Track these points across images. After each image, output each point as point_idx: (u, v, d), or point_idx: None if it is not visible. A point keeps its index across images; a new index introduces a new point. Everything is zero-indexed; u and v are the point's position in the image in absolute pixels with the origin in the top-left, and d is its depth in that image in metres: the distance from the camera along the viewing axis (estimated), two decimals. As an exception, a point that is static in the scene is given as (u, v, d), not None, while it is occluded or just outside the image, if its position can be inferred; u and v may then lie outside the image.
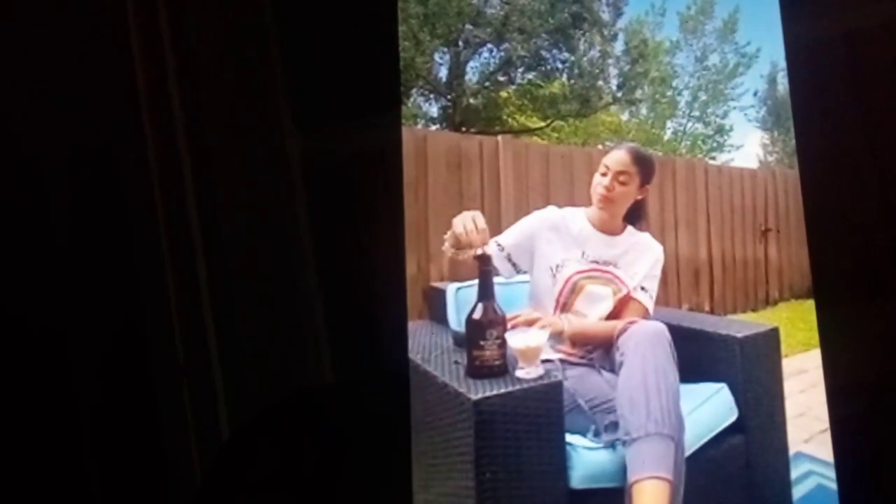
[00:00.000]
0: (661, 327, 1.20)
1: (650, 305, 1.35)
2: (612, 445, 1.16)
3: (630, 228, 1.37)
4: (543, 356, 1.31)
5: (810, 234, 1.21)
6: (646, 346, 1.18)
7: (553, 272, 1.33)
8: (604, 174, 1.32)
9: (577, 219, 1.36)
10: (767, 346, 1.34)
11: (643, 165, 1.32)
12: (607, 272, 1.34)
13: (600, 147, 1.82)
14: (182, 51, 1.51)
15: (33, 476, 1.43)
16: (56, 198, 1.49)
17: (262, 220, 1.46)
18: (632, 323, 1.24)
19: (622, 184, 1.31)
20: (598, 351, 1.30)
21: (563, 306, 1.32)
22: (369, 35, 1.36)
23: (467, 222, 1.19)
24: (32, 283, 1.47)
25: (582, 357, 1.31)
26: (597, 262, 1.34)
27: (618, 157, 1.31)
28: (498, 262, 1.30)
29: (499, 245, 1.33)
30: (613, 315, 1.33)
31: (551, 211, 1.37)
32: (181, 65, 1.50)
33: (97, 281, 1.48)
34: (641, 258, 1.35)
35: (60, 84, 1.48)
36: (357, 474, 1.07)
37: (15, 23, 1.48)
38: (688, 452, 1.18)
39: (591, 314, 1.32)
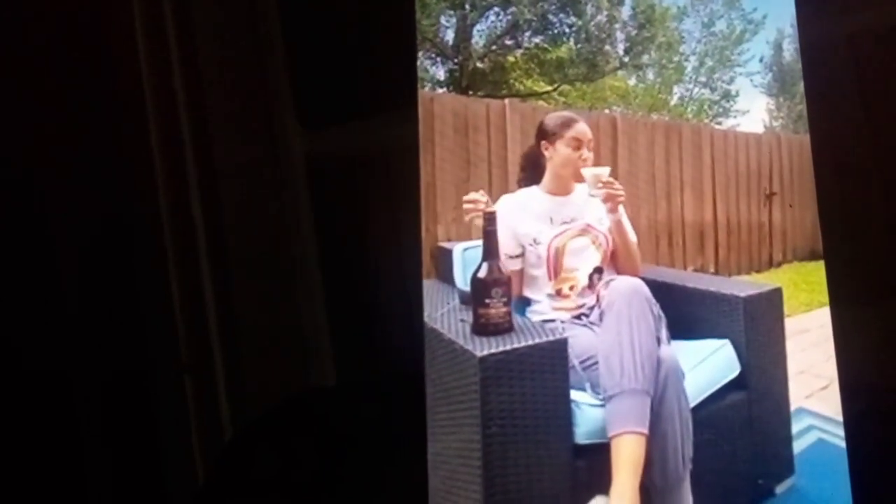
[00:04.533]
0: (638, 283, 1.25)
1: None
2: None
3: (577, 185, 1.42)
4: (545, 317, 1.35)
5: (824, 233, 1.23)
6: (620, 302, 1.22)
7: (535, 245, 1.38)
8: (577, 147, 1.39)
9: (535, 195, 1.42)
10: (770, 306, 1.36)
11: None
12: (579, 226, 1.40)
13: (607, 112, 1.83)
14: (186, 47, 1.50)
15: (33, 475, 1.44)
16: (56, 196, 1.49)
17: (265, 218, 1.47)
18: (611, 280, 1.30)
19: (590, 150, 1.40)
20: (594, 310, 1.33)
21: (556, 270, 1.37)
22: (384, 32, 1.35)
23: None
24: (32, 281, 1.47)
25: (577, 318, 1.35)
26: (566, 222, 1.40)
27: (584, 129, 1.40)
28: (512, 265, 1.35)
29: (507, 255, 1.36)
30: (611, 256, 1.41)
31: (508, 198, 1.42)
32: (185, 61, 1.50)
33: (99, 280, 1.48)
34: (600, 204, 1.38)
35: (61, 81, 1.48)
36: (358, 478, 1.08)
37: (15, 22, 1.49)
38: (690, 405, 1.21)
39: (582, 266, 1.38)
